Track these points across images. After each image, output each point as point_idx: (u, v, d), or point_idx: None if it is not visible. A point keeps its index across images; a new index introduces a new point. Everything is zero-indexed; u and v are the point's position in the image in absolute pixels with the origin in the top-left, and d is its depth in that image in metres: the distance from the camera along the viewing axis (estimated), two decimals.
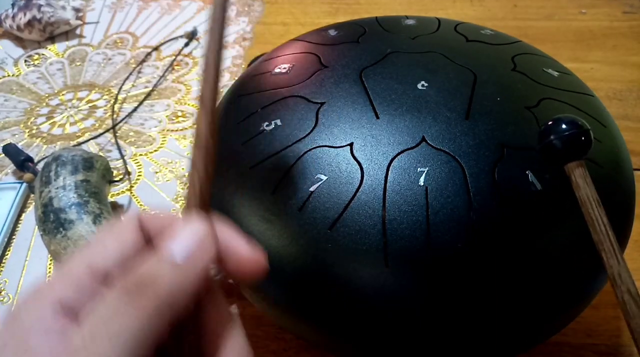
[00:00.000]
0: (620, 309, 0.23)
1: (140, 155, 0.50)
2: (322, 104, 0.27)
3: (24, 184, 0.46)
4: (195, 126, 0.20)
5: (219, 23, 0.23)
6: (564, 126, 0.23)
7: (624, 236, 0.27)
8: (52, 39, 0.67)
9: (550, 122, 0.24)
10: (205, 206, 0.19)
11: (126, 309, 0.15)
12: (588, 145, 0.23)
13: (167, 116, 0.54)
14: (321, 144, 0.25)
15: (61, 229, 0.37)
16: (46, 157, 0.49)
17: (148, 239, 0.18)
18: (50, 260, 0.42)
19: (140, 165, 0.49)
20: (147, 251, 0.17)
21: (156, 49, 0.63)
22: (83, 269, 0.16)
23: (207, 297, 0.18)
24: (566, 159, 0.24)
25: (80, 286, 0.16)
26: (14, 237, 0.44)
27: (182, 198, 0.46)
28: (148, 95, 0.57)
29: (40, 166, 0.47)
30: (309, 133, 0.26)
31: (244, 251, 0.18)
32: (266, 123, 0.27)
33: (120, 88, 0.58)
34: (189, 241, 0.17)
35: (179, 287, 0.16)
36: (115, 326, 0.15)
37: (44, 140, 0.53)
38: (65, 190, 0.39)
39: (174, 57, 0.62)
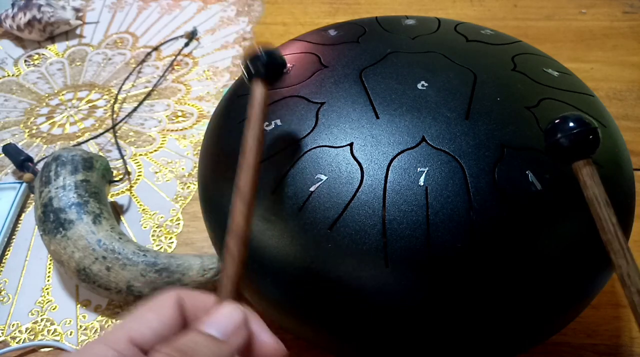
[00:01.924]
0: (630, 309, 0.22)
1: (140, 155, 0.50)
2: (322, 104, 0.27)
3: (24, 184, 0.46)
4: (231, 214, 0.21)
5: (259, 108, 0.24)
6: (571, 124, 0.23)
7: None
8: (52, 39, 0.67)
9: (557, 120, 0.23)
10: (239, 292, 0.20)
11: None
12: (596, 144, 0.23)
13: (167, 116, 0.54)
14: (321, 144, 0.25)
15: (61, 229, 0.37)
16: (46, 157, 0.49)
17: (185, 317, 0.19)
18: (50, 260, 0.42)
19: (140, 165, 0.49)
20: (184, 328, 0.19)
21: (156, 49, 0.63)
22: (123, 340, 0.17)
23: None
24: (573, 158, 0.23)
25: (121, 353, 0.17)
26: (14, 237, 0.44)
27: (181, 198, 0.46)
28: (148, 95, 0.57)
29: (40, 166, 0.47)
30: (309, 133, 0.26)
31: (269, 339, 0.20)
32: (266, 123, 0.27)
33: (120, 88, 0.58)
34: (227, 320, 0.19)
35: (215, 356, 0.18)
36: None
37: (44, 140, 0.53)
38: (65, 190, 0.39)
39: (174, 57, 0.62)
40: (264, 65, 0.25)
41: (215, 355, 0.18)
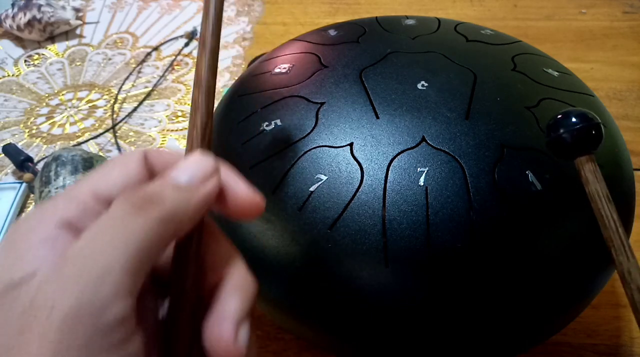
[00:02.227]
0: (630, 306, 0.22)
1: None
2: (322, 104, 0.27)
3: (24, 184, 0.46)
4: (195, 66, 0.20)
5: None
6: (573, 119, 0.23)
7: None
8: (52, 39, 0.67)
9: (559, 116, 0.23)
10: (209, 145, 0.19)
11: (130, 218, 0.15)
12: (599, 139, 0.23)
13: (167, 116, 0.54)
14: (321, 144, 0.25)
15: None
16: (46, 157, 0.49)
17: (152, 174, 0.18)
18: None
19: None
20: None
21: (156, 49, 0.63)
22: (87, 193, 0.16)
23: (209, 237, 0.18)
24: (576, 153, 0.23)
25: (83, 206, 0.16)
26: None
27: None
28: (148, 95, 0.57)
29: (40, 166, 0.47)
30: (309, 133, 0.26)
31: (243, 189, 0.18)
32: (266, 123, 0.27)
33: (120, 88, 0.58)
34: (193, 168, 0.17)
35: (182, 205, 0.16)
36: (118, 234, 0.15)
37: (44, 140, 0.53)
38: (65, 190, 0.39)
39: (174, 57, 0.62)
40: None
41: (184, 202, 0.16)
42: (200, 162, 0.18)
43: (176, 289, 0.17)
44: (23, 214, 0.45)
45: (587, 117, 0.23)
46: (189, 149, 0.19)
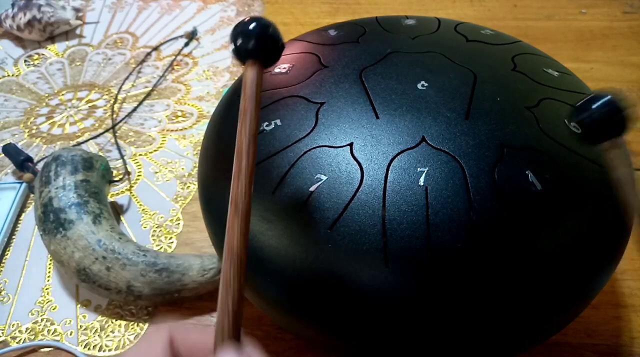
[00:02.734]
0: None
1: (140, 155, 0.50)
2: (322, 104, 0.27)
3: (24, 184, 0.46)
4: (226, 235, 0.18)
5: (252, 103, 0.20)
6: (602, 102, 0.22)
7: (624, 237, 0.27)
8: (52, 39, 0.67)
9: (588, 98, 0.22)
10: (238, 328, 0.18)
11: None
12: (626, 124, 0.21)
13: (166, 116, 0.54)
14: (321, 144, 0.25)
15: (61, 229, 0.37)
16: (46, 157, 0.49)
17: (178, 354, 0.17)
18: (50, 260, 0.42)
19: (140, 165, 0.49)
20: None
21: (156, 49, 0.63)
22: None
23: None
24: (603, 138, 0.22)
25: None
26: (13, 237, 0.44)
27: (181, 198, 0.46)
28: (148, 95, 0.57)
29: (40, 166, 0.47)
30: (308, 133, 0.26)
31: None
32: (266, 123, 0.27)
33: (120, 88, 0.58)
34: None
35: None
36: None
37: (44, 140, 0.53)
38: (65, 190, 0.38)
39: (174, 57, 0.62)
40: (257, 43, 0.21)
41: None
42: None
43: None
44: (23, 215, 0.45)
45: (615, 102, 0.21)
46: (220, 338, 0.17)
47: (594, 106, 0.22)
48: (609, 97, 0.22)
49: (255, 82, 0.21)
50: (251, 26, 0.21)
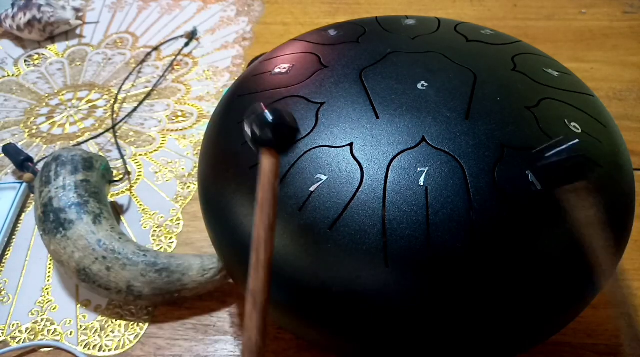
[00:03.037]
0: None
1: (140, 155, 0.50)
2: (322, 104, 0.27)
3: (24, 184, 0.46)
4: (244, 326, 0.18)
5: (269, 193, 0.20)
6: (558, 151, 0.23)
7: (624, 236, 0.27)
8: (52, 39, 0.67)
9: (546, 145, 0.24)
10: None
11: None
12: (582, 172, 0.23)
13: (167, 116, 0.54)
14: (321, 144, 0.25)
15: (61, 229, 0.37)
16: (46, 157, 0.49)
17: None
18: (50, 260, 0.42)
19: (140, 165, 0.49)
20: None
21: (156, 49, 0.63)
22: None
23: None
24: (562, 182, 0.23)
25: None
26: (14, 237, 0.44)
27: (181, 198, 0.46)
28: (148, 95, 0.57)
29: (40, 166, 0.47)
30: (309, 133, 0.26)
31: None
32: None
33: (120, 88, 0.58)
34: None
35: None
36: None
37: (44, 140, 0.53)
38: (65, 190, 0.38)
39: (174, 57, 0.62)
40: (275, 133, 0.21)
41: None
42: None
43: None
44: (23, 215, 0.45)
45: (569, 150, 0.23)
46: None
47: (550, 153, 0.23)
48: (566, 145, 0.22)
49: (271, 171, 0.20)
50: (268, 115, 0.21)
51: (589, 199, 0.23)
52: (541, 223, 0.23)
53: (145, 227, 0.43)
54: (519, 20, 0.65)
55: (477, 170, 0.24)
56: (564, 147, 0.23)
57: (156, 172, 0.48)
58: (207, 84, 0.58)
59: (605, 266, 0.22)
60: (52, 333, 0.37)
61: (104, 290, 0.36)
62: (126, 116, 0.54)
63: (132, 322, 0.37)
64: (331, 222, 0.24)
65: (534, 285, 0.24)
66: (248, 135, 0.21)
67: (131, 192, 0.47)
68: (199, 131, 0.52)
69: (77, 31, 0.68)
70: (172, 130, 0.53)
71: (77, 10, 0.67)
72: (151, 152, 0.50)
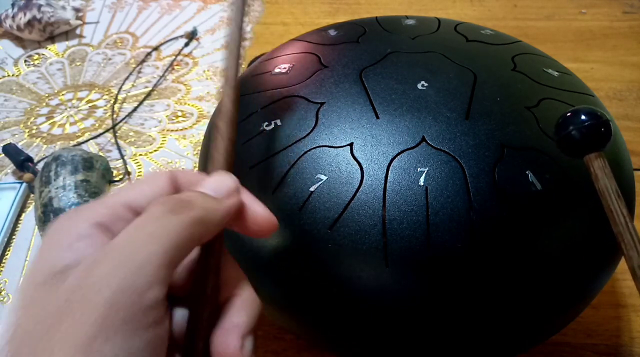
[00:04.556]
0: None
1: (140, 155, 0.50)
2: (322, 104, 0.27)
3: (24, 184, 0.46)
4: (219, 99, 0.23)
5: (239, 3, 0.26)
6: (583, 117, 0.23)
7: None
8: (52, 39, 0.67)
9: (569, 114, 0.24)
10: (230, 168, 0.21)
11: (167, 218, 0.17)
12: (608, 137, 0.23)
13: (167, 116, 0.54)
14: (321, 144, 0.25)
15: None
16: (46, 157, 0.49)
17: (178, 191, 0.20)
18: None
19: (140, 165, 0.49)
20: None
21: (156, 49, 0.63)
22: (119, 202, 0.18)
23: (223, 258, 0.20)
24: (585, 151, 0.23)
25: (115, 213, 0.18)
26: (14, 237, 0.44)
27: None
28: (148, 95, 0.57)
29: (40, 166, 0.47)
30: (309, 133, 0.26)
31: (261, 208, 0.21)
32: (266, 123, 0.27)
33: (120, 88, 0.58)
34: (220, 184, 0.20)
35: (210, 211, 0.18)
36: (156, 231, 0.17)
37: (44, 140, 0.53)
38: (65, 190, 0.38)
39: (174, 57, 0.62)
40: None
41: (212, 209, 0.18)
42: (224, 180, 0.20)
43: (197, 294, 0.19)
44: (23, 215, 0.45)
45: (596, 114, 0.23)
46: (213, 169, 0.21)
47: (574, 122, 0.23)
48: (588, 112, 0.22)
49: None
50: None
51: (607, 166, 0.23)
52: (541, 223, 0.23)
53: None
54: (519, 20, 0.65)
55: (477, 170, 0.24)
56: (587, 112, 0.23)
57: None
58: (207, 84, 0.58)
59: (630, 236, 0.22)
60: None
61: None
62: (126, 116, 0.54)
63: None
64: (331, 222, 0.24)
65: (534, 285, 0.24)
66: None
67: None
68: (199, 131, 0.52)
69: (77, 31, 0.68)
70: (172, 131, 0.53)
71: (77, 10, 0.67)
72: (151, 152, 0.50)
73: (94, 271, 0.16)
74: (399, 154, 0.24)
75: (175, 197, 0.18)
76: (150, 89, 0.57)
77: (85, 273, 0.16)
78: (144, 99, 0.56)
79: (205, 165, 0.30)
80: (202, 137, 0.32)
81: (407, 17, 0.35)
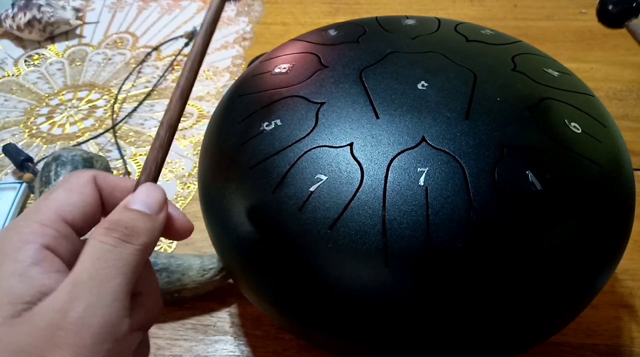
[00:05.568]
0: None
1: (140, 155, 0.50)
2: (322, 104, 0.27)
3: (24, 184, 0.46)
4: (169, 106, 0.24)
5: (210, 21, 0.26)
6: None
7: (624, 236, 0.27)
8: (52, 39, 0.67)
9: None
10: (157, 176, 0.23)
11: (121, 249, 0.18)
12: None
13: None
14: (321, 144, 0.25)
15: None
16: (46, 157, 0.49)
17: (101, 194, 0.21)
18: None
19: (140, 165, 0.49)
20: (102, 205, 0.21)
21: (156, 49, 0.63)
22: (54, 218, 0.19)
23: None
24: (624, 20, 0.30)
25: (56, 232, 0.19)
26: None
27: (181, 198, 0.46)
28: (148, 95, 0.57)
29: (40, 166, 0.47)
30: (309, 133, 0.26)
31: (181, 216, 0.23)
32: (266, 123, 0.27)
33: (120, 88, 0.58)
34: (152, 198, 0.21)
35: (153, 234, 0.20)
36: (117, 263, 0.18)
37: (44, 140, 0.53)
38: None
39: (174, 57, 0.62)
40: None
41: (152, 230, 0.20)
42: (154, 194, 0.21)
43: None
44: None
45: None
46: (145, 178, 0.22)
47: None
48: None
49: None
50: None
51: None
52: (541, 223, 0.23)
53: None
54: (519, 20, 0.65)
55: (477, 170, 0.24)
56: None
57: None
58: (207, 84, 0.58)
59: None
60: None
61: None
62: (126, 116, 0.54)
63: None
64: (331, 222, 0.24)
65: (534, 285, 0.24)
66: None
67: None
68: (199, 131, 0.52)
69: (77, 31, 0.68)
70: None
71: (77, 10, 0.67)
72: None
73: (68, 313, 0.17)
74: (399, 154, 0.24)
75: (120, 223, 0.19)
76: (150, 89, 0.57)
77: (61, 314, 0.17)
78: (144, 99, 0.56)
79: (205, 165, 0.30)
80: (202, 137, 0.32)
81: (407, 17, 0.35)
